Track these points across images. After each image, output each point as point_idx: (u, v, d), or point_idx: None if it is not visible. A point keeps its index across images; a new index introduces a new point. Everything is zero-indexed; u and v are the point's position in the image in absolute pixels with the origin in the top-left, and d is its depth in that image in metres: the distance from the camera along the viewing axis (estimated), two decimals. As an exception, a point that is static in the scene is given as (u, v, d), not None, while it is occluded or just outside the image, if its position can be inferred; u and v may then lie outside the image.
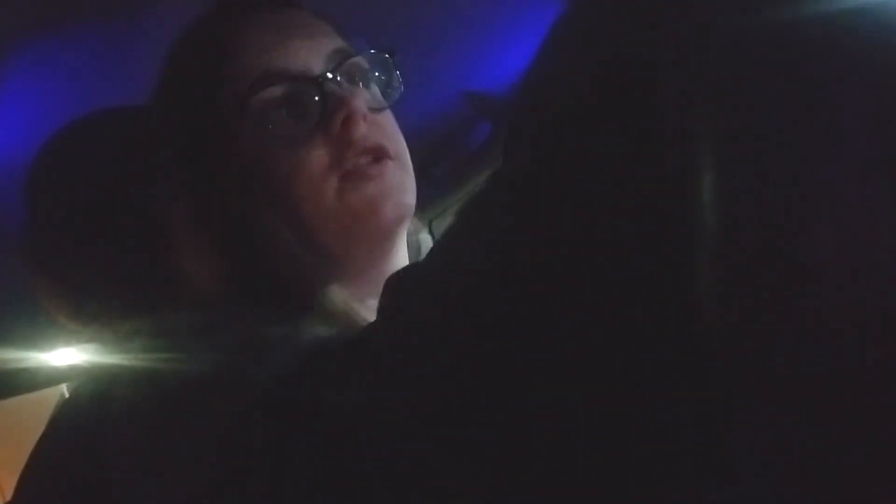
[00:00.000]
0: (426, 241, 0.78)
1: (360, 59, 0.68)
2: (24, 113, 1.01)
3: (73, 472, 0.57)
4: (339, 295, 0.65)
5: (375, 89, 0.69)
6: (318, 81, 0.64)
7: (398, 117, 0.71)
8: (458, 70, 1.60)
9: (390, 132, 0.68)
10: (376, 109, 0.67)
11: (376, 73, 0.69)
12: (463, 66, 1.59)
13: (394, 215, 0.64)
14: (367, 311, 0.67)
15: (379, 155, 0.65)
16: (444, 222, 2.54)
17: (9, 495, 0.63)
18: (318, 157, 0.63)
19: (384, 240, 0.65)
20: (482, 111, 1.78)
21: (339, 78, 0.65)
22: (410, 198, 0.68)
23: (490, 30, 1.50)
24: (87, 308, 0.85)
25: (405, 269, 0.54)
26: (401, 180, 0.66)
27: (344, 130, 0.63)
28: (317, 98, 0.64)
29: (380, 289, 0.67)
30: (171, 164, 0.69)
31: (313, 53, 0.65)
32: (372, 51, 0.69)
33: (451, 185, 2.30)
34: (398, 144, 0.68)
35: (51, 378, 1.67)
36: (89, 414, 0.60)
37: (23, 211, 0.82)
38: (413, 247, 0.77)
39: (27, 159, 0.81)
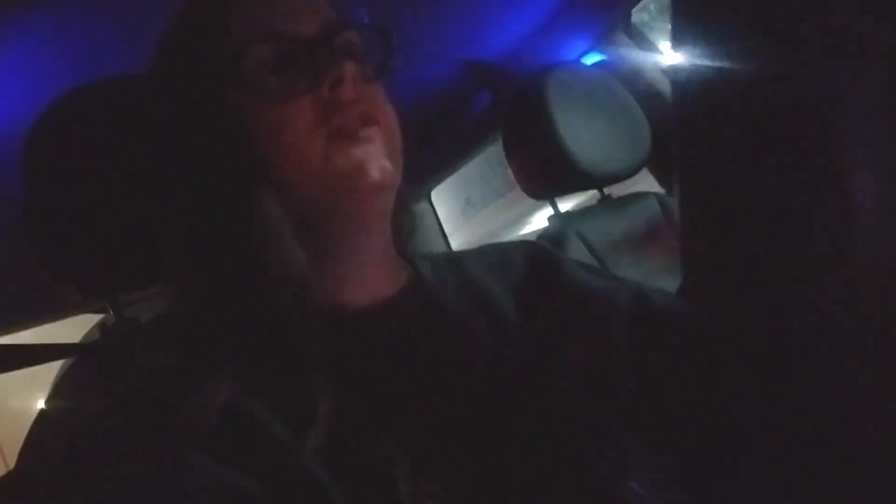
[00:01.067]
0: (424, 212, 0.78)
1: (354, 32, 0.68)
2: (21, 84, 1.01)
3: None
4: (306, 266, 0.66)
5: (369, 64, 0.69)
6: (310, 45, 0.64)
7: (398, 86, 0.71)
8: (459, 40, 1.59)
9: (380, 104, 0.68)
10: (367, 79, 0.67)
11: (371, 48, 0.69)
12: (463, 36, 1.58)
13: (378, 179, 0.64)
14: (348, 286, 0.67)
15: (367, 121, 0.65)
16: (444, 191, 2.54)
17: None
18: (305, 116, 0.63)
19: (368, 203, 0.65)
20: (482, 81, 1.77)
21: (331, 44, 0.65)
22: (396, 168, 0.67)
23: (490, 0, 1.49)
24: (84, 277, 0.85)
25: None
26: (388, 149, 0.66)
27: (332, 92, 0.63)
28: (309, 62, 0.64)
29: (362, 260, 0.68)
30: (164, 128, 0.69)
31: (308, 20, 0.66)
32: (368, 24, 0.69)
33: (450, 154, 2.30)
34: (388, 117, 0.68)
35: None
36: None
37: (21, 181, 0.82)
38: (408, 217, 0.77)
39: (25, 130, 0.81)
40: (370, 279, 0.68)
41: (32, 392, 3.25)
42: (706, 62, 0.41)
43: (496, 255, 0.79)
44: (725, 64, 0.39)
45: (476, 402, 0.62)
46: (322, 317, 0.65)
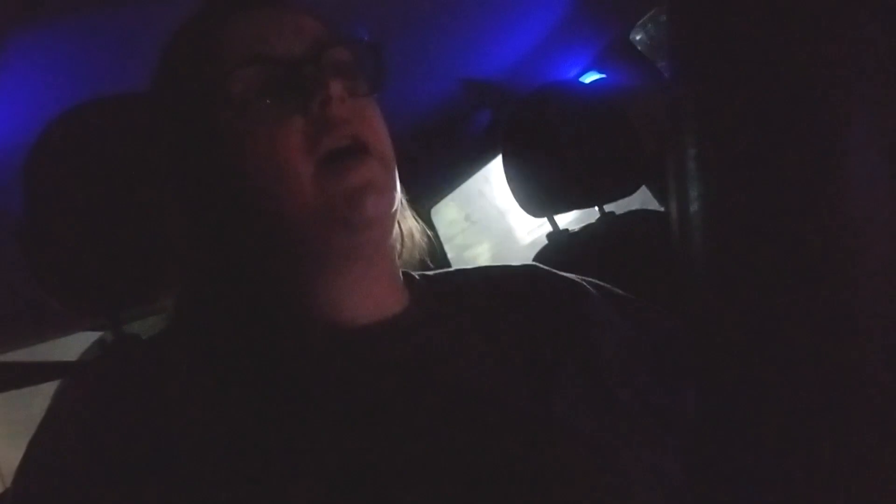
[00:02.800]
0: (418, 230, 0.77)
1: (343, 49, 0.68)
2: (22, 102, 1.01)
3: None
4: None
5: (362, 80, 0.69)
6: (297, 65, 0.64)
7: (397, 103, 0.71)
8: (458, 58, 1.59)
9: (372, 123, 0.66)
10: (357, 95, 0.66)
11: (362, 64, 0.69)
12: (463, 54, 1.59)
13: (373, 213, 0.62)
14: (347, 306, 0.67)
15: (358, 145, 0.64)
16: (443, 209, 2.55)
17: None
18: (295, 138, 0.62)
19: (363, 236, 0.64)
20: (481, 99, 1.78)
21: (319, 64, 0.65)
22: (391, 196, 0.66)
23: (490, 18, 1.49)
24: (82, 292, 0.85)
25: None
26: (382, 177, 0.65)
27: (321, 112, 0.63)
28: (298, 83, 0.64)
29: (359, 281, 0.66)
30: (158, 151, 0.69)
31: (295, 40, 0.65)
32: (359, 41, 0.69)
33: (450, 171, 2.31)
34: (380, 137, 0.67)
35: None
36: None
37: (21, 198, 0.82)
38: (407, 237, 0.76)
39: (26, 148, 0.81)
40: (368, 299, 0.67)
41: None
42: (703, 79, 0.41)
43: (500, 278, 0.78)
44: (723, 81, 0.40)
45: (471, 428, 0.61)
46: (319, 336, 0.65)
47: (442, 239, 2.47)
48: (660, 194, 1.76)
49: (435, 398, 0.62)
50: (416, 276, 0.76)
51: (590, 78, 1.79)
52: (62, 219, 0.82)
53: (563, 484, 0.59)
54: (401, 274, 0.74)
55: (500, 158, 1.59)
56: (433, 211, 2.51)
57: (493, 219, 3.89)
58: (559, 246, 1.56)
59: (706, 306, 0.41)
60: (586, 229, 1.62)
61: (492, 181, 3.20)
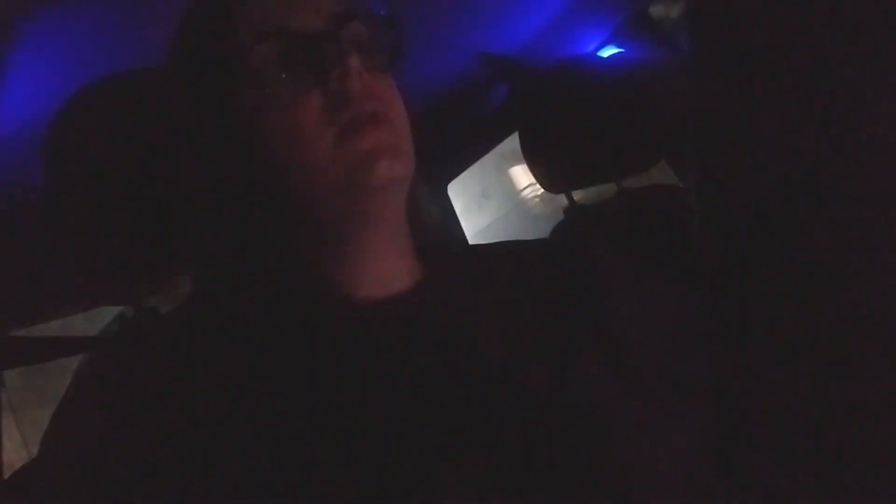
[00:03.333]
0: (442, 204, 0.77)
1: (361, 23, 0.67)
2: (42, 77, 1.02)
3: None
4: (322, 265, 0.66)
5: (379, 54, 0.69)
6: (316, 39, 0.64)
7: (414, 78, 0.71)
8: (475, 32, 1.58)
9: (389, 97, 0.67)
10: (375, 70, 0.66)
11: (380, 39, 0.69)
12: (480, 28, 1.58)
13: (386, 175, 0.63)
14: (363, 280, 0.67)
15: (377, 115, 0.64)
16: (461, 183, 2.54)
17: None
18: (314, 111, 0.63)
19: (377, 200, 0.65)
20: (499, 73, 1.77)
21: (337, 37, 0.65)
22: (406, 164, 0.66)
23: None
24: (104, 269, 0.86)
25: None
26: (398, 144, 0.65)
27: (340, 86, 0.63)
28: (316, 56, 0.64)
29: (376, 253, 0.67)
30: (177, 124, 0.69)
31: (313, 14, 0.65)
32: (376, 15, 0.69)
33: (467, 146, 2.30)
34: (397, 110, 0.67)
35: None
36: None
37: (41, 173, 0.83)
38: (423, 212, 0.76)
39: (45, 124, 0.81)
40: (385, 273, 0.68)
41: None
42: (723, 54, 0.40)
43: (516, 253, 0.78)
44: (743, 55, 0.39)
45: (487, 403, 0.61)
46: (335, 308, 0.65)
47: (458, 214, 2.47)
48: (678, 169, 1.75)
49: (450, 373, 0.62)
50: (431, 250, 0.76)
51: (608, 52, 1.77)
52: (82, 194, 0.82)
53: (580, 460, 0.60)
54: (415, 247, 0.74)
55: (517, 134, 1.59)
56: (450, 186, 2.51)
57: (510, 194, 3.88)
58: (576, 221, 1.56)
59: (723, 278, 0.41)
60: (603, 204, 1.62)
61: (508, 157, 3.19)
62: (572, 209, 1.62)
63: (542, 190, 1.59)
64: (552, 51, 1.67)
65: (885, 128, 0.36)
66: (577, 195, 1.65)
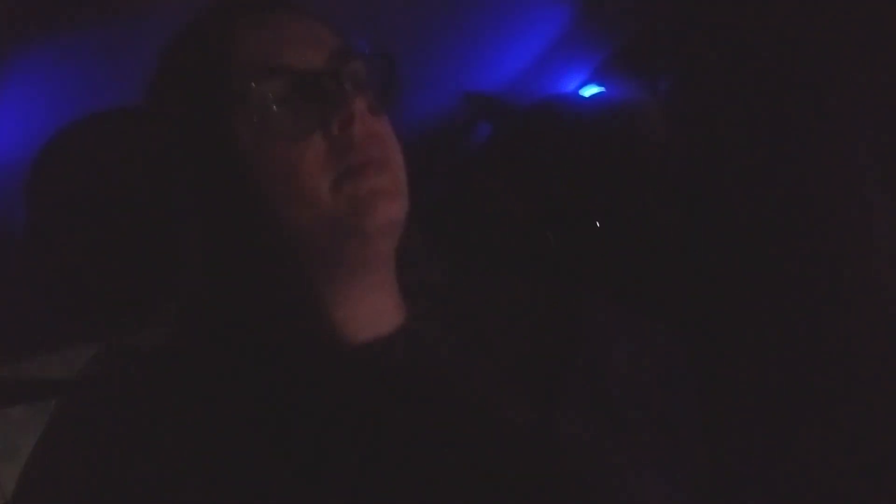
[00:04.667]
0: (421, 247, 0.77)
1: (360, 62, 0.67)
2: (24, 115, 1.01)
3: None
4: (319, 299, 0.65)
5: (377, 94, 0.69)
6: (319, 79, 0.63)
7: (399, 116, 0.71)
8: (459, 70, 1.60)
9: (387, 139, 0.67)
10: (375, 112, 0.66)
11: (377, 78, 0.69)
12: (463, 67, 1.59)
13: (385, 218, 0.63)
14: (353, 317, 0.67)
15: (376, 159, 0.64)
16: (443, 222, 2.54)
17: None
18: (316, 153, 0.62)
19: (373, 246, 0.64)
20: (482, 111, 1.78)
21: (340, 77, 0.64)
22: (401, 207, 0.66)
23: (490, 30, 1.50)
24: (81, 304, 0.85)
25: None
26: (393, 185, 0.65)
27: (342, 131, 0.62)
28: (317, 96, 0.63)
29: (365, 296, 0.66)
30: (169, 162, 0.68)
31: (315, 51, 0.65)
32: (372, 53, 0.68)
33: (450, 185, 2.30)
34: (396, 152, 0.67)
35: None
36: None
37: (23, 211, 0.82)
38: (410, 254, 0.75)
39: (27, 161, 0.81)
40: (373, 313, 0.67)
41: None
42: (702, 90, 0.41)
43: (504, 289, 0.77)
44: (722, 90, 0.40)
45: (471, 441, 0.61)
46: (322, 350, 0.64)
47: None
48: (660, 206, 1.76)
49: (434, 413, 0.62)
50: (417, 288, 0.76)
51: (589, 91, 1.79)
52: (62, 231, 0.82)
53: (565, 498, 0.59)
54: (400, 286, 0.73)
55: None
56: (433, 225, 2.51)
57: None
58: (561, 259, 1.55)
59: (706, 317, 0.41)
60: (587, 242, 1.62)
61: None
62: (556, 247, 1.62)
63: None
64: (535, 89, 1.68)
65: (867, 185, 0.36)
66: (561, 233, 1.65)
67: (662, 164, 1.59)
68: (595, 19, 1.59)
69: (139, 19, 0.91)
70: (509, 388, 0.65)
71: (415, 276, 0.76)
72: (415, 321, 0.70)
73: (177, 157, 0.68)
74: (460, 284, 0.82)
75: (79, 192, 0.82)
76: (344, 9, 0.71)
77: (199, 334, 0.67)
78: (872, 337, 0.34)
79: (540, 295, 0.76)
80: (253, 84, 0.62)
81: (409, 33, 1.31)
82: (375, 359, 0.65)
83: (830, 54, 0.34)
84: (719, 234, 0.37)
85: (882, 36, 0.34)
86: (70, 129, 0.82)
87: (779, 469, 0.38)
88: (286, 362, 0.63)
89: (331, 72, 0.64)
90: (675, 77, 0.40)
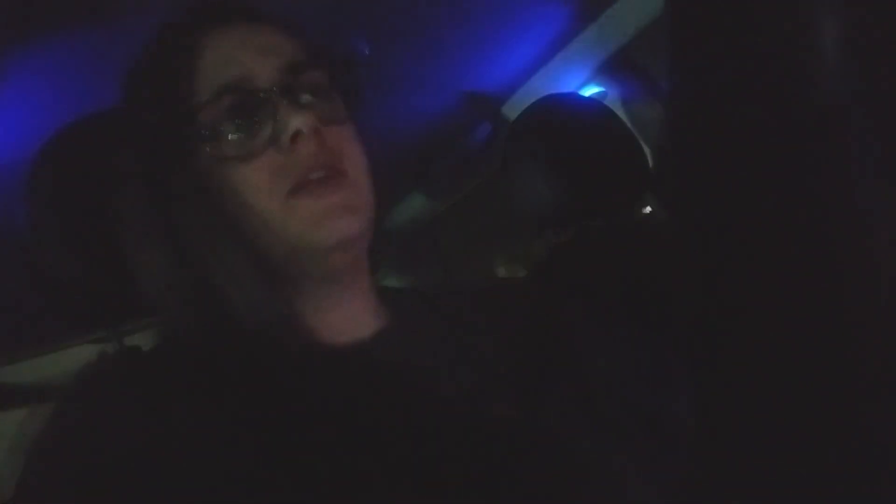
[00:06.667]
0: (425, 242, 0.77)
1: (317, 72, 0.67)
2: (24, 114, 1.02)
3: None
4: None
5: (337, 100, 0.68)
6: (267, 95, 0.63)
7: (397, 117, 0.70)
8: (458, 71, 1.60)
9: (345, 149, 0.66)
10: (332, 123, 0.65)
11: (338, 84, 0.68)
12: (463, 67, 1.59)
13: (337, 235, 0.62)
14: (326, 324, 0.66)
15: (331, 173, 0.63)
16: (442, 222, 2.55)
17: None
18: (267, 172, 0.62)
19: (331, 261, 0.64)
20: (482, 112, 1.79)
21: (291, 91, 0.64)
22: (361, 219, 0.65)
23: (490, 31, 1.50)
24: (84, 306, 0.85)
25: None
26: (350, 200, 0.64)
27: (291, 146, 0.62)
28: (268, 113, 0.63)
29: (337, 303, 0.66)
30: (135, 174, 0.67)
31: (267, 67, 0.64)
32: (333, 61, 0.68)
33: (449, 185, 2.31)
34: (353, 162, 0.66)
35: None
36: None
37: (20, 214, 0.83)
38: (385, 258, 0.74)
39: (24, 165, 0.81)
40: (347, 319, 0.67)
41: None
42: (702, 89, 0.41)
43: (487, 292, 0.77)
44: (722, 89, 0.40)
45: (453, 442, 0.60)
46: (300, 356, 0.64)
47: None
48: (664, 204, 1.76)
49: (410, 413, 0.62)
50: (395, 293, 0.76)
51: (589, 91, 1.79)
52: (63, 231, 0.82)
53: (548, 494, 0.59)
54: (379, 291, 0.73)
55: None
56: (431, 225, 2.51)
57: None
58: (558, 259, 1.56)
59: (709, 305, 0.41)
60: (586, 241, 1.62)
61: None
62: (556, 247, 1.62)
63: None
64: (535, 90, 1.69)
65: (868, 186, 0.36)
66: (560, 233, 1.65)
67: (662, 164, 1.59)
68: (594, 20, 1.60)
69: (139, 19, 0.91)
70: (491, 389, 0.65)
71: (395, 279, 0.76)
72: (392, 324, 0.70)
73: (140, 173, 0.67)
74: (445, 286, 0.82)
75: (79, 192, 0.82)
76: (344, 9, 0.71)
77: (186, 338, 0.67)
78: (872, 337, 0.34)
79: (526, 296, 0.76)
80: (205, 104, 0.62)
81: (409, 33, 1.31)
82: (350, 362, 0.65)
83: (830, 54, 0.34)
84: (719, 234, 0.38)
85: (882, 36, 0.34)
86: (71, 128, 0.82)
87: (778, 469, 0.38)
88: (264, 368, 0.62)
89: (283, 86, 0.63)
90: (675, 77, 0.40)
